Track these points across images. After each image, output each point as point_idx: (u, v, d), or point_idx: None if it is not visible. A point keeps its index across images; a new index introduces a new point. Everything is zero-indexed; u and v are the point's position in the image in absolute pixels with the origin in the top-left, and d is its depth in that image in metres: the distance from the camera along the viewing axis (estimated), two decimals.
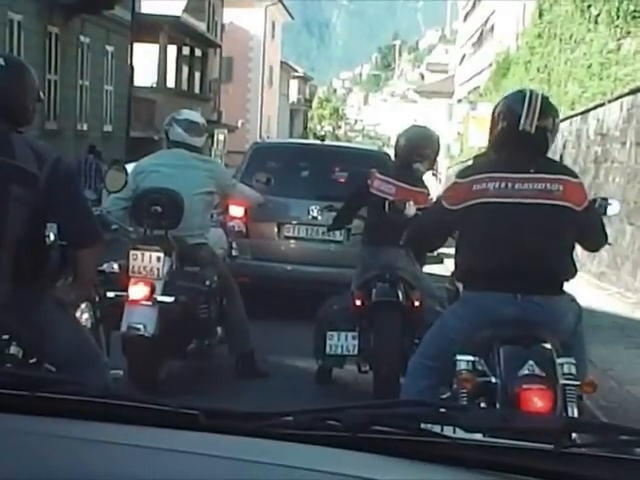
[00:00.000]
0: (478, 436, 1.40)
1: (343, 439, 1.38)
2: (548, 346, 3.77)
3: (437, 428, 1.41)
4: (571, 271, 4.06)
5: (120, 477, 1.25)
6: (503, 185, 3.95)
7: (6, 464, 1.25)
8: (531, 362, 3.66)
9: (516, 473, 1.33)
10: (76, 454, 1.30)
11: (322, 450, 1.37)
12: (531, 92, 4.13)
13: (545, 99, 4.13)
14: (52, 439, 1.33)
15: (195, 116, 6.85)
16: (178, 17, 31.71)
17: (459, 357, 3.92)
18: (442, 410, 1.47)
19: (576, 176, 4.15)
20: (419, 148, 6.35)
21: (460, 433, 1.41)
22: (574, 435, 1.50)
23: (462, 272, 4.19)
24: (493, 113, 4.19)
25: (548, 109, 4.10)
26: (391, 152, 7.23)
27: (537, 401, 3.59)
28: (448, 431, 1.41)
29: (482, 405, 3.83)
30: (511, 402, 3.61)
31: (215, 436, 1.38)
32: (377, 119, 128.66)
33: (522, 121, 3.98)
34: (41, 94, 4.00)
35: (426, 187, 6.38)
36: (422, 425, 1.41)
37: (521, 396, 3.60)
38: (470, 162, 5.95)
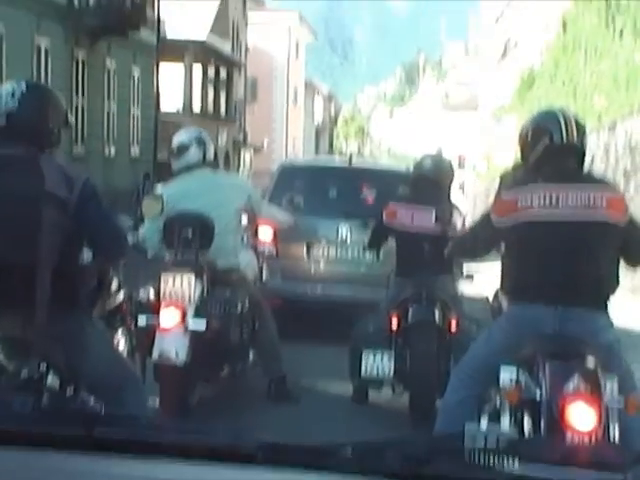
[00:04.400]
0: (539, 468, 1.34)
1: (402, 471, 1.34)
2: (593, 363, 3.76)
3: (498, 461, 1.36)
4: (613, 286, 4.10)
5: None
6: (547, 199, 4.00)
7: None
8: (577, 378, 3.66)
9: None
10: None
11: None
12: (561, 109, 4.33)
13: (574, 115, 4.30)
14: (109, 478, 1.28)
15: (198, 130, 6.68)
16: (203, 42, 31.80)
17: (503, 368, 3.95)
18: (504, 443, 1.42)
19: (617, 190, 4.26)
20: (432, 180, 6.46)
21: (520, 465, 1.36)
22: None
23: (507, 285, 4.29)
24: (523, 134, 4.29)
25: (580, 123, 4.23)
26: None
27: (583, 417, 3.58)
28: (508, 463, 1.36)
29: (526, 417, 3.82)
30: (556, 417, 3.61)
31: (273, 471, 1.33)
32: (403, 136, 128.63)
33: (564, 134, 4.09)
34: (70, 118, 4.00)
35: (452, 205, 6.47)
36: (483, 459, 1.36)
37: (566, 411, 3.59)
38: (497, 180, 5.98)
